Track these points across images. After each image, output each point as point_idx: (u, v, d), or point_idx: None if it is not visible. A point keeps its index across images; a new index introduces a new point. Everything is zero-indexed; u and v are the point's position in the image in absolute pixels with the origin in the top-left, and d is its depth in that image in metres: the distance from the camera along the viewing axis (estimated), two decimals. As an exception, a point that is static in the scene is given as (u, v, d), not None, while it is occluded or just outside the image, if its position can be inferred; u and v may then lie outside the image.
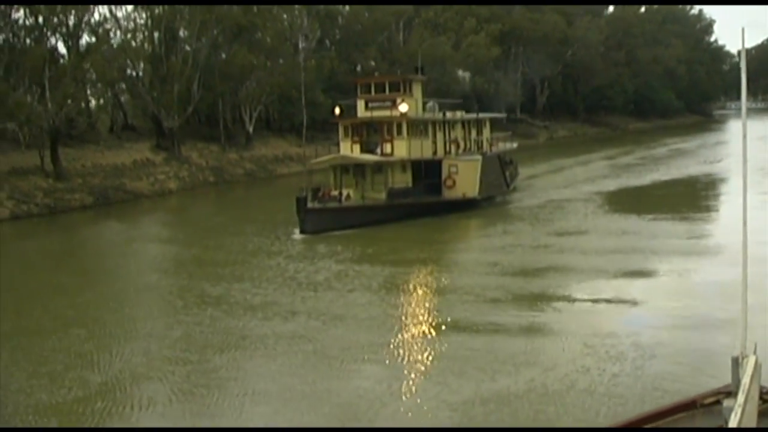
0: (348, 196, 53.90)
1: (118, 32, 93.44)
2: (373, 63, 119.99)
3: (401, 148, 56.33)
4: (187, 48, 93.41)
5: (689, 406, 11.70)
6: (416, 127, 57.67)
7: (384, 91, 58.57)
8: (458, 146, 62.28)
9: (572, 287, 34.96)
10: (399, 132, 56.65)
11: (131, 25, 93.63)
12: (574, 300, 32.77)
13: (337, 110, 60.32)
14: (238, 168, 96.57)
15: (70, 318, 33.31)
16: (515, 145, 77.60)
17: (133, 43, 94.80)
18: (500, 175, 63.64)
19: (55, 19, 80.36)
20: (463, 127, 64.75)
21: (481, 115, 72.22)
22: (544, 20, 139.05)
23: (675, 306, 30.38)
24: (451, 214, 55.99)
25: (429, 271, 40.52)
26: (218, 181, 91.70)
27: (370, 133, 57.72)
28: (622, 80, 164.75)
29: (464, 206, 56.98)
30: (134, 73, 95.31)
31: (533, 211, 58.46)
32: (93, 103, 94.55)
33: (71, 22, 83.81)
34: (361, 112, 58.74)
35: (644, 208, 57.44)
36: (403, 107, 56.11)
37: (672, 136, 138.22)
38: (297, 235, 49.97)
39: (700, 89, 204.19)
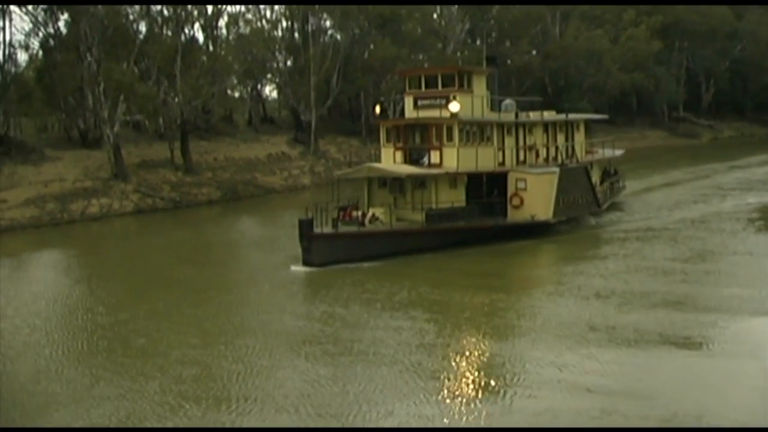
0: (373, 217, 43.83)
1: (259, 23, 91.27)
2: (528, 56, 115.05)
3: (451, 158, 45.46)
4: (326, 39, 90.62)
5: None
6: (472, 131, 46.63)
7: (436, 85, 47.18)
8: (537, 154, 51.21)
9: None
10: (449, 137, 45.72)
11: (270, 15, 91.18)
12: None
13: (378, 109, 50.16)
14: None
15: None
16: (618, 152, 64.38)
17: (276, 33, 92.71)
18: (588, 191, 51.58)
19: (195, 9, 78.52)
20: (546, 131, 52.68)
21: (573, 115, 58.46)
22: (711, 13, 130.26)
23: None
24: (516, 241, 45.34)
25: (476, 341, 28.35)
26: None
27: (417, 139, 46.82)
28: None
29: (534, 231, 46.60)
30: (274, 65, 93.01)
31: (628, 239, 46.51)
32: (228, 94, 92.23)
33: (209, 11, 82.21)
34: (409, 112, 48.06)
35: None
36: (454, 106, 45.15)
37: None
38: (298, 267, 40.15)
39: None
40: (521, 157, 49.84)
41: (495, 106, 51.14)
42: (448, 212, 44.57)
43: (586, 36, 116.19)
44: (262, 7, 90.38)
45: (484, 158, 46.54)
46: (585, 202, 51.01)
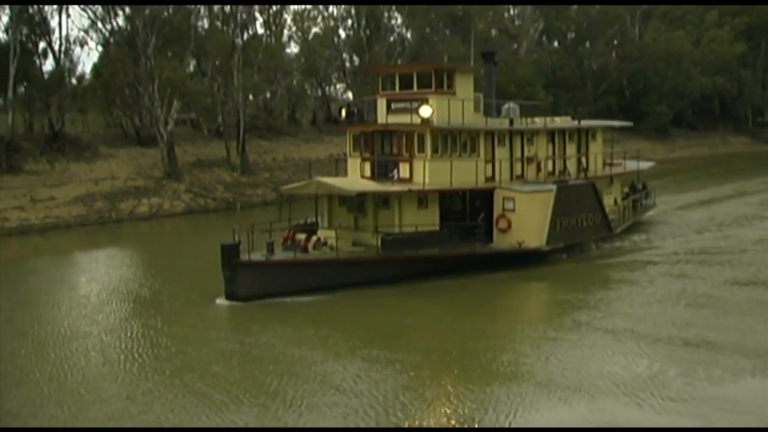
0: (318, 241, 36.37)
1: (323, 21, 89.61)
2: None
3: (422, 172, 38.10)
4: (394, 38, 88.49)
5: None
6: (451, 140, 39.16)
7: (411, 86, 39.68)
8: (539, 168, 43.68)
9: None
10: (421, 147, 38.40)
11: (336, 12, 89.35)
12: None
13: (343, 111, 43.00)
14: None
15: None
16: (645, 164, 56.75)
17: (342, 33, 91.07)
18: (596, 212, 43.20)
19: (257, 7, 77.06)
20: (551, 140, 45.14)
21: (587, 122, 50.58)
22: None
23: None
24: (498, 272, 37.92)
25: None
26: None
27: (387, 148, 39.55)
28: None
29: (522, 260, 39.17)
30: (339, 63, 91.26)
31: (635, 276, 37.78)
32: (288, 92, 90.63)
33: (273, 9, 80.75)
34: (382, 116, 40.41)
35: None
36: (425, 111, 37.84)
37: None
38: (222, 301, 33.62)
39: None
40: (517, 171, 42.57)
41: (492, 110, 44.22)
42: (411, 237, 36.88)
43: (666, 37, 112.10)
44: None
45: (464, 172, 39.19)
46: (591, 226, 42.90)
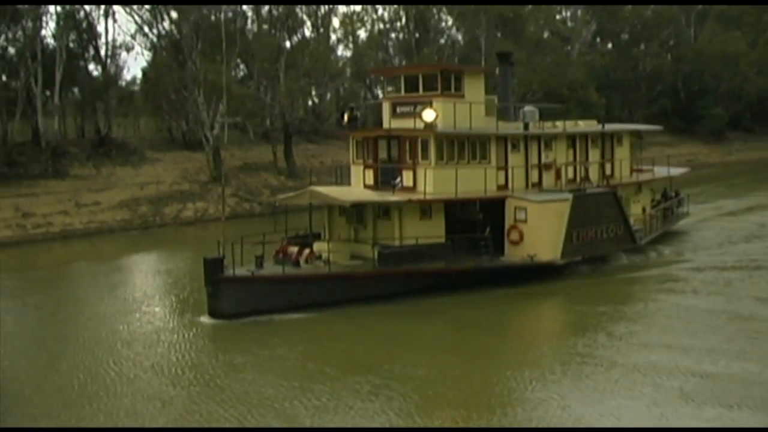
0: (311, 255, 34.18)
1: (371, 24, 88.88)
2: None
3: (426, 180, 35.67)
4: (444, 40, 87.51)
5: None
6: (458, 146, 36.76)
7: (416, 88, 37.45)
8: (558, 175, 40.60)
9: None
10: (424, 154, 36.12)
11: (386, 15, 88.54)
12: None
13: (346, 115, 39.82)
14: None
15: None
16: (677, 170, 53.31)
17: (392, 35, 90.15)
18: (617, 223, 40.29)
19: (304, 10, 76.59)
20: (572, 145, 42.09)
21: (613, 126, 47.61)
22: None
23: None
24: (512, 287, 35.20)
25: None
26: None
27: (391, 154, 37.37)
28: None
29: (536, 274, 36.53)
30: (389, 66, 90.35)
31: (651, 293, 35.09)
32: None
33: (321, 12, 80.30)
34: (387, 121, 38.41)
35: None
36: (428, 115, 35.39)
37: None
38: (206, 318, 31.62)
39: None
40: (534, 179, 39.68)
41: (508, 114, 41.93)
42: (411, 251, 34.39)
43: (721, 38, 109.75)
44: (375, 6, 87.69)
45: (472, 180, 36.66)
46: (613, 237, 40.02)
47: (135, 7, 69.34)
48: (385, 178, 36.81)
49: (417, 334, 29.96)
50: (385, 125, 38.13)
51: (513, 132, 39.20)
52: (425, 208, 35.75)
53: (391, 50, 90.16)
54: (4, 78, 63.27)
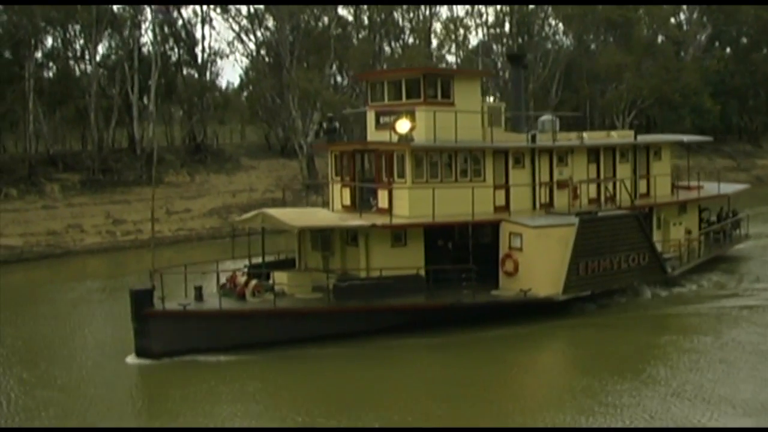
0: (258, 286, 29.95)
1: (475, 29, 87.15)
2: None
3: (401, 201, 31.39)
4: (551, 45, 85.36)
5: None
6: (442, 162, 32.12)
7: (400, 95, 33.03)
8: (576, 194, 35.14)
9: None
10: (400, 172, 31.63)
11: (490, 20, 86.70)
12: None
13: (324, 125, 35.65)
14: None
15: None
16: (734, 187, 47.93)
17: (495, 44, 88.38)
18: (641, 250, 34.24)
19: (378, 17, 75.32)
20: (595, 159, 36.74)
21: (647, 137, 42.58)
22: None
23: None
24: (501, 327, 29.86)
25: None
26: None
27: (368, 171, 33.72)
28: None
29: (530, 312, 31.04)
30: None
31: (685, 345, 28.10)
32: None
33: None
34: (371, 132, 34.03)
35: None
36: (402, 126, 31.02)
37: None
38: (132, 358, 27.41)
39: None
40: (543, 199, 34.65)
41: (521, 124, 37.45)
42: (374, 284, 29.57)
43: None
44: (479, 8, 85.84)
45: (459, 202, 31.67)
46: (635, 267, 34.04)
47: (233, 13, 69.44)
48: (366, 198, 32.64)
49: (366, 385, 25.29)
50: (370, 137, 33.93)
51: (515, 145, 34.25)
52: (398, 234, 31.06)
53: (496, 56, 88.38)
54: (102, 85, 63.78)
